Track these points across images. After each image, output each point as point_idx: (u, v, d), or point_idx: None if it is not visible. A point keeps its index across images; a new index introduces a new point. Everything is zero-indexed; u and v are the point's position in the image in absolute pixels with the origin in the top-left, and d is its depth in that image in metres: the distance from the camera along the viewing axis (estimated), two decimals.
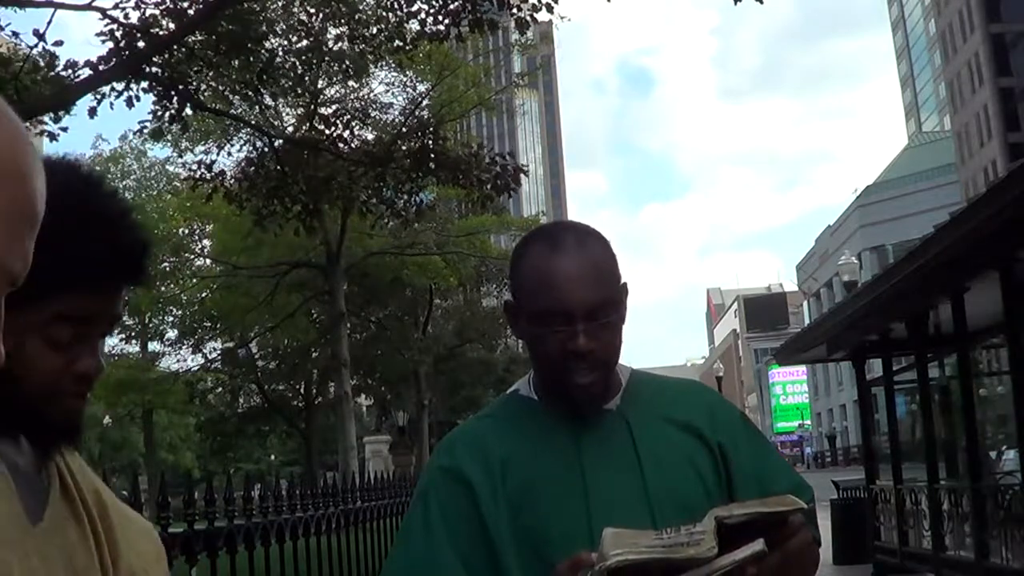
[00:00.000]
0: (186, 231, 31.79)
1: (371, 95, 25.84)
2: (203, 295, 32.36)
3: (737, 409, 1.82)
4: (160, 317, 34.92)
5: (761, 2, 11.72)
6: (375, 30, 15.64)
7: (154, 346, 37.14)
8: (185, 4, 12.32)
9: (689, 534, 1.29)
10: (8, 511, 1.00)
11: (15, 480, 1.05)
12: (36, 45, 11.82)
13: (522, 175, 16.05)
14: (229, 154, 24.46)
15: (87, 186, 1.14)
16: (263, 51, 14.24)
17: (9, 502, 1.01)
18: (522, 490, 1.58)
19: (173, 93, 13.21)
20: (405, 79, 25.68)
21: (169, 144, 25.18)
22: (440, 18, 13.44)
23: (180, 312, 34.04)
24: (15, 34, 12.79)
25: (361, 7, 15.95)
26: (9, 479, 1.02)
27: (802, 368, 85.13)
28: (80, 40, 16.31)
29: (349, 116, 19.96)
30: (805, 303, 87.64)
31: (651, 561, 1.27)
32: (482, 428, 1.70)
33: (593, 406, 1.63)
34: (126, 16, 12.32)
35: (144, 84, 12.79)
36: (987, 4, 66.02)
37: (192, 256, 32.19)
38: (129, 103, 12.66)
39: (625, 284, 1.65)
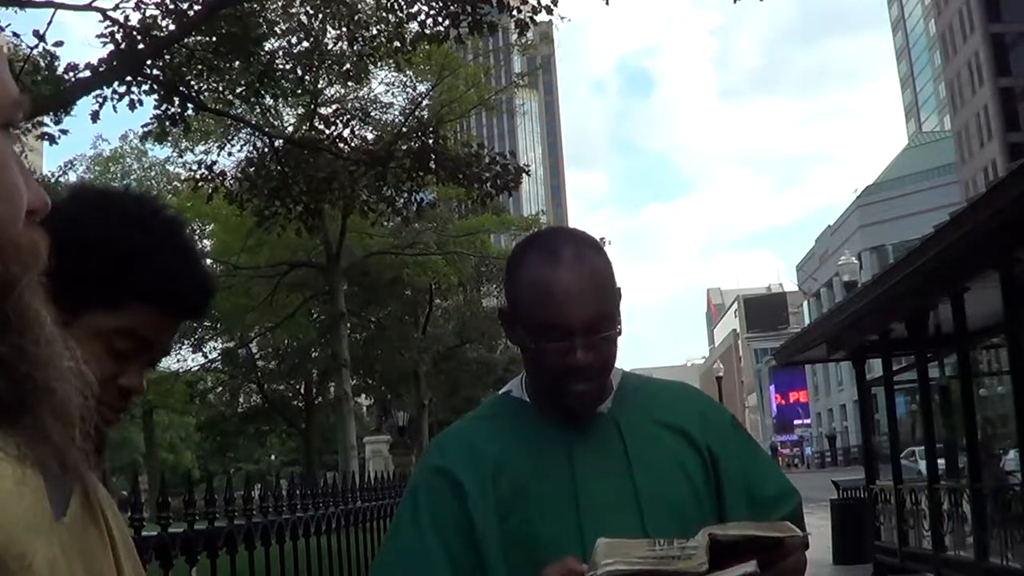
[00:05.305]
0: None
1: (371, 95, 25.90)
2: None
3: (728, 413, 1.81)
4: None
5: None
6: (375, 31, 15.63)
7: None
8: (184, 5, 12.32)
9: (681, 548, 1.30)
10: (35, 503, 1.03)
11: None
12: (36, 46, 11.83)
13: (523, 174, 16.07)
14: (230, 154, 24.47)
15: (178, 224, 1.30)
16: (263, 53, 14.24)
17: (36, 495, 1.04)
18: (512, 492, 1.58)
19: (174, 95, 13.22)
20: (405, 79, 25.70)
21: (169, 144, 25.20)
22: (440, 20, 13.45)
23: None
24: (15, 34, 12.81)
25: (360, 7, 15.95)
26: (38, 474, 1.04)
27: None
28: (80, 41, 16.24)
29: (349, 116, 19.96)
30: (805, 303, 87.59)
31: (641, 573, 1.27)
32: (474, 429, 1.70)
33: (587, 412, 1.63)
34: (126, 18, 12.33)
35: (145, 87, 12.79)
36: (987, 4, 66.03)
37: None
38: (132, 106, 12.66)
39: (619, 289, 1.63)
